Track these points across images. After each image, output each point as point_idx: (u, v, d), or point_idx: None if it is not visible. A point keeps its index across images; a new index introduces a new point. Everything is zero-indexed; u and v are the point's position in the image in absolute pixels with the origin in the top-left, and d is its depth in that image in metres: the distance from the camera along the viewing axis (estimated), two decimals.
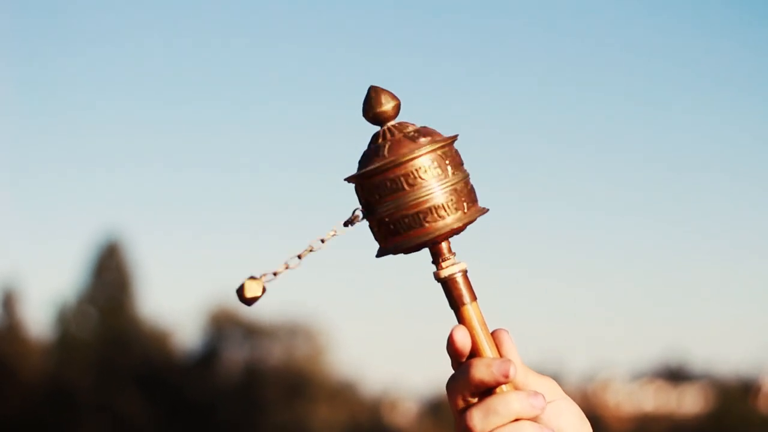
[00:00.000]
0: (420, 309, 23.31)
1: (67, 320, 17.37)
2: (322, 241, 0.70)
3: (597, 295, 24.72)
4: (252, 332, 17.82)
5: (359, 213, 0.70)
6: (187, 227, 22.73)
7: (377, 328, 23.44)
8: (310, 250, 0.70)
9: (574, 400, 0.72)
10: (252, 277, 0.70)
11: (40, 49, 21.46)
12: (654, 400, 21.36)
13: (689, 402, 21.00)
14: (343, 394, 18.24)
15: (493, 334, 0.71)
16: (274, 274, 0.70)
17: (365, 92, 0.71)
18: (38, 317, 19.05)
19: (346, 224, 0.70)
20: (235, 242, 22.63)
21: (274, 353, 17.93)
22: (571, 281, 24.83)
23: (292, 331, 17.91)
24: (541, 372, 0.73)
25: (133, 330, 17.32)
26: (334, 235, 0.70)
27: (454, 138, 0.71)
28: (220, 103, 22.61)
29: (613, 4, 24.10)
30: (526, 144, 24.08)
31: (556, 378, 0.71)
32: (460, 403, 0.70)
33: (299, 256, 0.70)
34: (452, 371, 0.71)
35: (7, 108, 21.24)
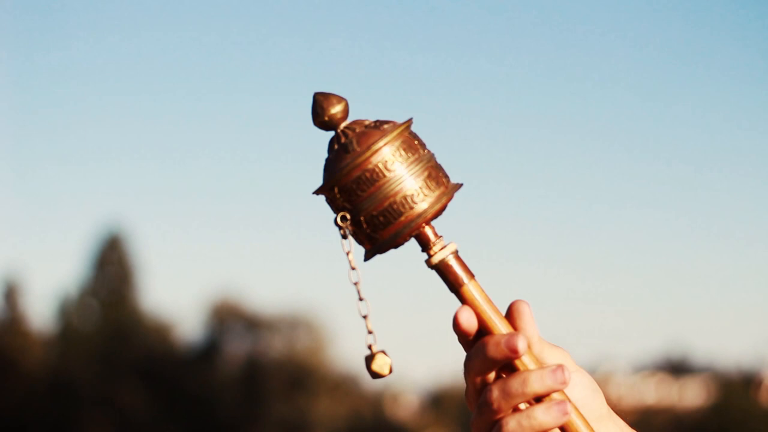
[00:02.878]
0: (420, 301, 23.35)
1: (69, 313, 17.39)
2: (353, 268, 0.69)
3: (598, 288, 24.74)
4: (253, 325, 17.84)
5: (341, 222, 0.69)
6: (188, 219, 22.75)
7: (378, 321, 23.42)
8: (356, 284, 0.69)
9: None
10: (383, 352, 0.68)
11: (38, 42, 21.47)
12: (656, 393, 21.38)
13: (691, 395, 21.02)
14: (345, 387, 18.26)
15: (511, 306, 0.70)
16: (369, 332, 0.69)
17: (311, 100, 0.70)
18: (40, 310, 19.07)
19: (344, 237, 0.68)
20: (237, 234, 22.66)
21: (276, 346, 17.95)
22: (571, 273, 24.85)
23: (294, 324, 17.92)
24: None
25: (135, 323, 17.33)
26: (350, 260, 0.69)
27: (410, 122, 0.69)
28: (222, 95, 22.63)
29: None
30: (527, 134, 24.11)
31: None
32: (478, 383, 0.69)
33: (360, 299, 0.69)
34: (464, 353, 0.70)
35: (7, 101, 21.26)
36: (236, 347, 17.94)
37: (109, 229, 17.64)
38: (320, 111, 0.69)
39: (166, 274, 22.00)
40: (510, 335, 0.67)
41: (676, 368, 21.47)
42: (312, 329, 17.95)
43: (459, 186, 0.70)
